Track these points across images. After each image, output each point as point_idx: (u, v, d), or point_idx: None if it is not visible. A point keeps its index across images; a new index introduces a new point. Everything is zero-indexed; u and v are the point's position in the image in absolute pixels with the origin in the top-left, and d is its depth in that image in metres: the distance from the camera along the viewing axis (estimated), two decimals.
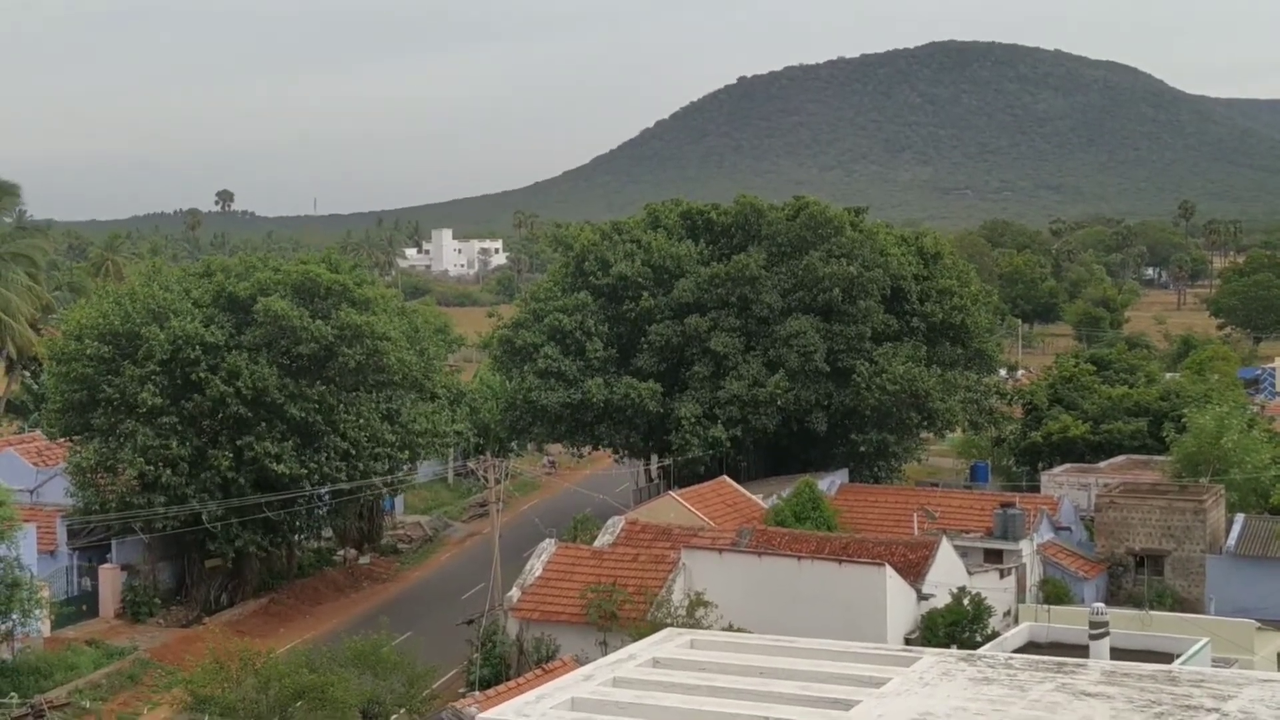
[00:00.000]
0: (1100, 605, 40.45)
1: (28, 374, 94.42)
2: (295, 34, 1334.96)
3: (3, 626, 53.11)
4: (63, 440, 69.17)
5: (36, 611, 54.34)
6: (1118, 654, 37.03)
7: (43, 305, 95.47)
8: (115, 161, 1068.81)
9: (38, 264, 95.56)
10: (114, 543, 64.67)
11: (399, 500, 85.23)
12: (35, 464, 73.95)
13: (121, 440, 62.80)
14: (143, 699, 53.71)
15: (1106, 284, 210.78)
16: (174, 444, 62.06)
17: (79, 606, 62.80)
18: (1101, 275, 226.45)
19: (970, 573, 53.13)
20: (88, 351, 62.83)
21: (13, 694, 48.16)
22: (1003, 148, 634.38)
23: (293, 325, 63.40)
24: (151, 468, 61.70)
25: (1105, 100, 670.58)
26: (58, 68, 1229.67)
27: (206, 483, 62.70)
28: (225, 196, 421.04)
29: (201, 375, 62.36)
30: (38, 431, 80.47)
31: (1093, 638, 37.69)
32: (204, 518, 62.71)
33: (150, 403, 61.48)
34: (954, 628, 47.95)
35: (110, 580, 64.01)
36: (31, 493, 68.78)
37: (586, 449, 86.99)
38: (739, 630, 39.63)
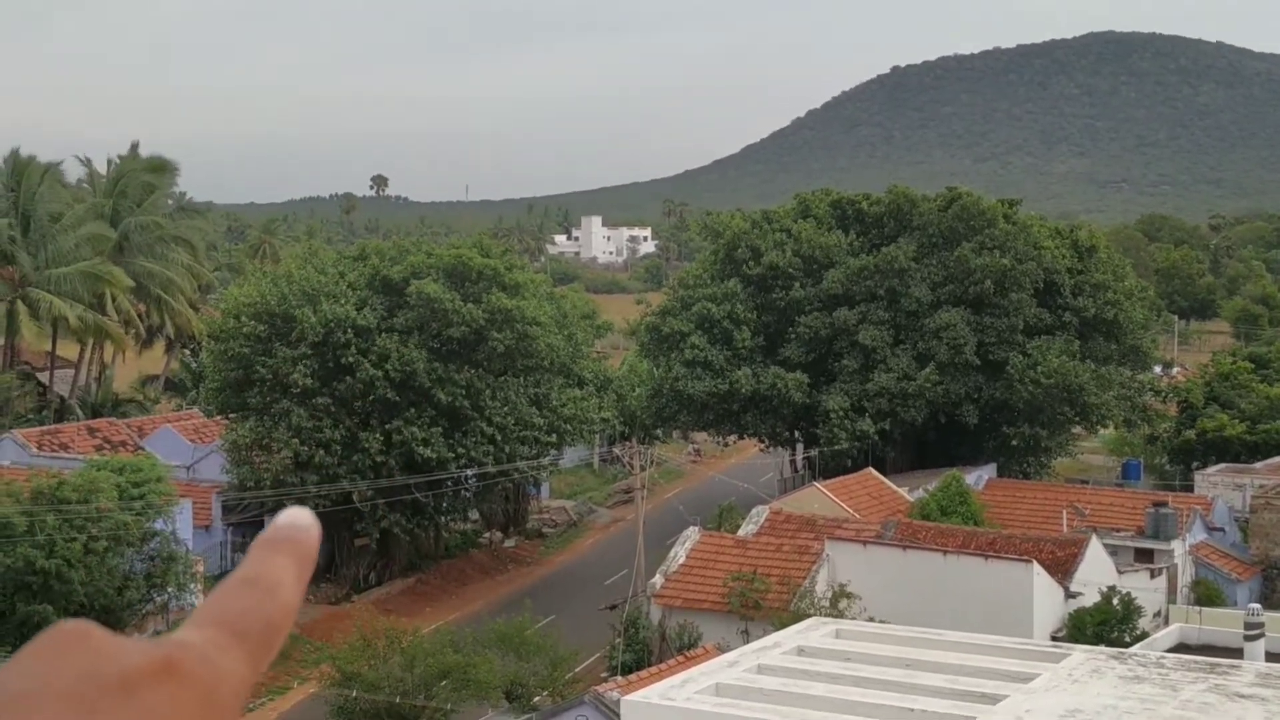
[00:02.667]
0: (1256, 606, 39.70)
1: (187, 352, 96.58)
2: (449, 23, 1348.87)
3: (159, 599, 54.42)
4: (219, 418, 70.61)
5: (191, 585, 55.63)
6: (1272, 658, 36.27)
7: (202, 285, 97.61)
8: (273, 146, 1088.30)
9: (196, 245, 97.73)
10: (267, 519, 65.59)
11: (545, 485, 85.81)
12: (192, 441, 75.58)
13: (276, 420, 63.92)
14: (292, 674, 54.64)
15: (1266, 281, 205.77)
16: (327, 425, 63.06)
17: None
18: (1261, 272, 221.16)
19: (1120, 572, 52.36)
20: (244, 331, 64.05)
21: None
22: (1161, 141, 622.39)
23: (444, 308, 64.08)
24: (305, 448, 62.75)
25: (1268, 93, 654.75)
26: (222, 55, 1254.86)
27: (358, 464, 63.61)
28: (379, 181, 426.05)
29: (352, 358, 63.27)
30: (195, 409, 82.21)
31: (1248, 639, 37.00)
32: (354, 498, 63.65)
33: (302, 384, 62.53)
34: (1102, 627, 47.26)
35: None
36: (188, 469, 70.32)
37: (732, 438, 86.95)
38: (882, 623, 39.37)
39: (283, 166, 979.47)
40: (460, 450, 64.61)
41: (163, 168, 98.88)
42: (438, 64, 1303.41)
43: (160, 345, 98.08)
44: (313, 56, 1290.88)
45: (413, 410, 64.04)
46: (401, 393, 63.97)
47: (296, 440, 62.61)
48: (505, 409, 66.22)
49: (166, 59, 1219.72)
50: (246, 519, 65.82)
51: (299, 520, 1.45)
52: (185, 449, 73.70)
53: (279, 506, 63.78)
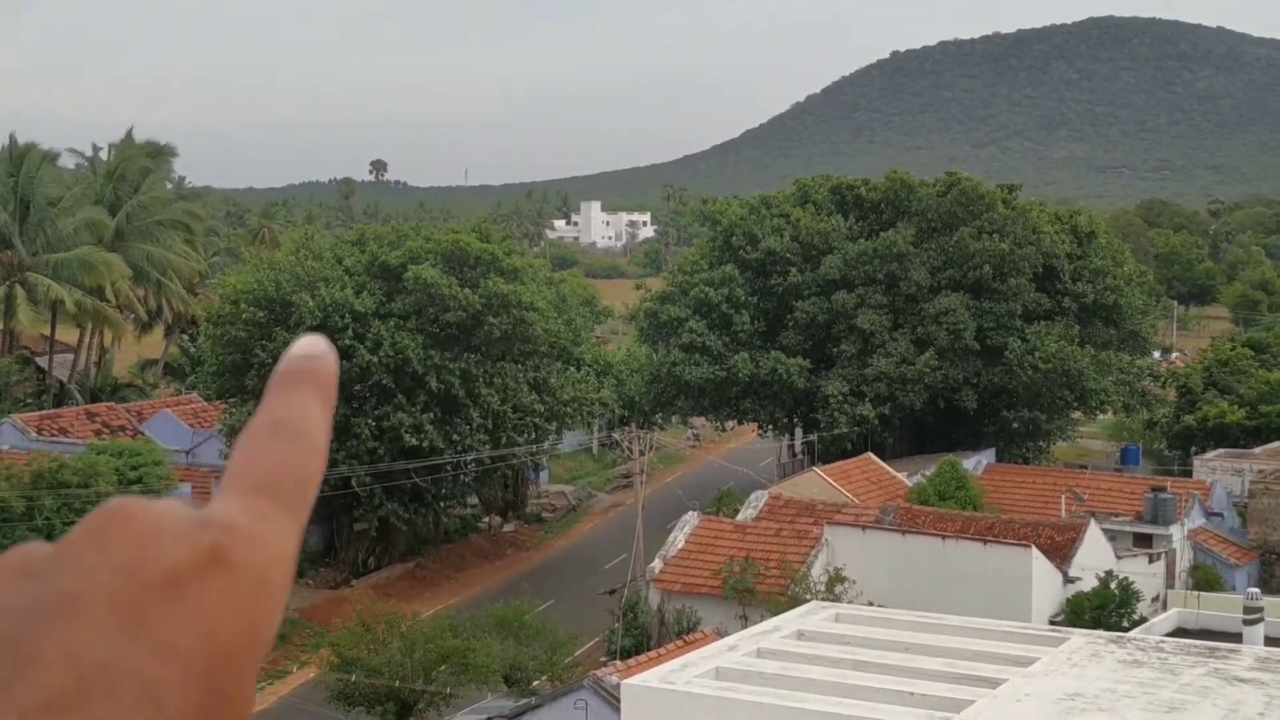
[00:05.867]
0: (1255, 590, 39.78)
1: (186, 337, 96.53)
2: (449, 7, 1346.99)
3: None
4: (218, 402, 70.62)
5: None
6: (1271, 642, 36.31)
7: (199, 271, 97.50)
8: (272, 131, 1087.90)
9: (193, 230, 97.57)
10: None
11: (544, 470, 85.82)
12: (191, 425, 75.53)
13: None
14: (291, 658, 54.72)
15: (1266, 266, 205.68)
16: None
17: None
18: (1261, 257, 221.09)
19: (1118, 557, 52.41)
20: (242, 316, 64.11)
21: None
22: (1161, 126, 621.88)
23: (441, 293, 64.06)
24: None
25: (1268, 78, 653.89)
26: (219, 38, 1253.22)
27: (355, 449, 63.64)
28: (379, 166, 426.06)
29: (349, 342, 63.26)
30: (194, 394, 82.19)
31: (1247, 623, 37.06)
32: (353, 482, 63.67)
33: None
34: (1100, 612, 47.31)
35: None
36: (188, 453, 70.30)
37: (731, 423, 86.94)
38: (881, 607, 39.42)
39: (282, 151, 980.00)
40: (455, 438, 64.61)
41: (160, 152, 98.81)
42: (437, 49, 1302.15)
43: (159, 330, 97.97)
44: (312, 41, 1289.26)
45: (403, 396, 64.01)
46: (396, 378, 63.95)
47: None
48: (501, 395, 66.15)
49: (164, 43, 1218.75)
50: None
51: (313, 348, 1.25)
52: (184, 434, 73.66)
53: None
